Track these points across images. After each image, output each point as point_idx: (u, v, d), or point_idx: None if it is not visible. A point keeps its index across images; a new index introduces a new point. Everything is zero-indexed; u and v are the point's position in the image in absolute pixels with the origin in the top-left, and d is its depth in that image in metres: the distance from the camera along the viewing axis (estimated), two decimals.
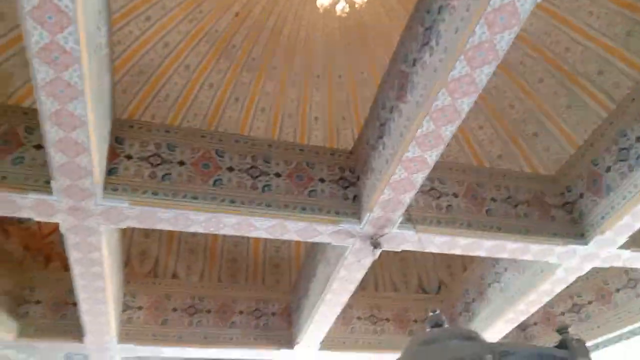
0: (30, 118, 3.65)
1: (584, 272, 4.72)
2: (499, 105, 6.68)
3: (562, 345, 2.88)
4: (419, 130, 3.11)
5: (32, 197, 3.32)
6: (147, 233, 6.50)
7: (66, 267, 5.59)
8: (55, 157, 3.06)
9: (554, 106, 6.41)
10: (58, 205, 3.41)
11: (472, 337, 3.20)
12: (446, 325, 3.38)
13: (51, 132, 2.92)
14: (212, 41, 6.94)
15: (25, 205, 3.40)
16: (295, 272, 6.63)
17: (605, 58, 5.78)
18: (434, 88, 2.90)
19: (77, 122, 2.87)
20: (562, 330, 2.98)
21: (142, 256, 6.36)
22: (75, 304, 5.19)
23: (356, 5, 5.85)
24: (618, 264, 4.58)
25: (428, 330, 3.35)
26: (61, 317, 5.20)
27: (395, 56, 3.54)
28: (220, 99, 7.25)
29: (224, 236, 6.58)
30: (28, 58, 2.53)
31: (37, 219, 3.52)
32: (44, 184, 3.35)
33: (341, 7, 5.82)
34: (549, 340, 6.29)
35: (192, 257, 6.70)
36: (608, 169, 4.19)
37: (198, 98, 7.10)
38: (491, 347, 3.03)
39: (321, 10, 6.05)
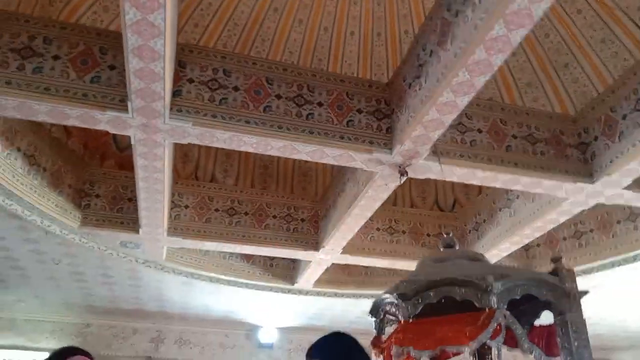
0: (103, 38, 4.07)
1: (588, 207, 5.21)
2: (535, 32, 6.79)
3: (554, 272, 3.46)
4: (455, 80, 3.48)
5: (110, 114, 3.83)
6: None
7: (120, 166, 6.28)
8: (134, 82, 3.51)
9: (589, 39, 6.51)
10: (131, 122, 3.92)
11: (478, 259, 3.80)
12: (457, 247, 3.97)
13: (133, 63, 3.35)
14: None
15: (103, 120, 3.91)
16: (321, 182, 7.22)
17: None
18: (473, 44, 3.22)
19: (156, 56, 3.29)
20: (555, 259, 3.55)
21: (184, 158, 6.95)
22: (130, 200, 5.91)
23: None
24: (620, 202, 5.05)
25: (441, 249, 3.95)
26: (118, 210, 5.93)
27: (438, 2, 3.79)
28: (260, 9, 7.43)
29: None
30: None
31: (112, 131, 4.05)
32: (119, 103, 3.84)
33: None
34: (548, 261, 6.96)
35: (228, 161, 7.28)
36: (624, 117, 4.52)
37: (239, 7, 7.30)
38: (493, 269, 3.64)
39: None
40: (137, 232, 5.79)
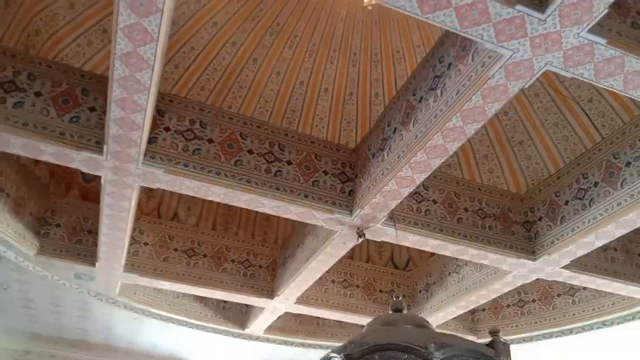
0: (86, 80, 4.23)
1: (529, 280, 5.56)
2: None
3: (491, 345, 3.70)
4: (413, 158, 3.79)
5: (85, 154, 3.96)
6: None
7: (84, 197, 6.31)
8: (113, 129, 3.68)
9: (543, 121, 7.06)
10: (105, 164, 4.06)
11: (424, 325, 4.02)
12: (405, 311, 4.19)
13: (115, 112, 3.53)
14: (242, 2, 7.34)
15: (77, 159, 4.03)
16: (282, 229, 7.38)
17: (596, 88, 6.41)
18: (432, 130, 3.55)
19: (138, 108, 3.48)
20: (493, 333, 3.80)
21: (149, 193, 7.02)
22: (90, 232, 5.93)
23: None
24: (559, 279, 5.42)
25: (390, 312, 4.16)
26: (76, 241, 5.92)
27: (408, 84, 4.15)
28: (240, 58, 7.73)
29: None
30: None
31: (84, 170, 4.16)
32: (95, 144, 3.97)
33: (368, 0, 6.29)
34: (493, 325, 7.25)
35: (192, 200, 7.39)
36: (566, 202, 4.93)
37: (220, 54, 7.58)
38: (435, 337, 3.85)
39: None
40: (93, 265, 5.80)
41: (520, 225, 5.26)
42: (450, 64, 3.49)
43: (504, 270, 5.38)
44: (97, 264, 5.72)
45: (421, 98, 3.79)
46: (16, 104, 3.91)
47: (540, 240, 5.07)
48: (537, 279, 6.28)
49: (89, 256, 5.83)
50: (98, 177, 4.43)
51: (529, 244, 5.15)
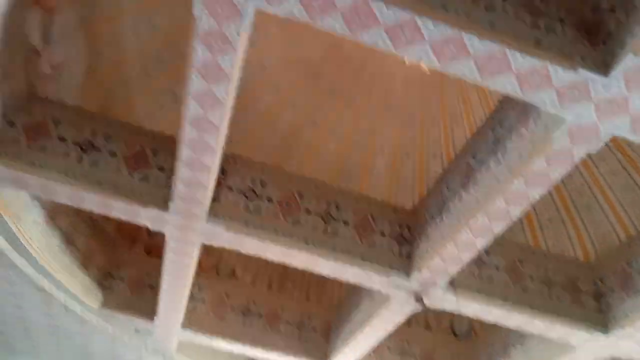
0: (157, 141, 4.48)
1: (602, 357, 5.15)
2: None
3: None
4: (473, 222, 3.70)
5: (152, 211, 4.14)
6: None
7: (148, 252, 6.53)
8: (180, 188, 3.85)
9: (611, 185, 6.75)
10: (170, 220, 4.22)
11: None
12: None
13: (183, 172, 3.70)
14: (302, 67, 7.65)
15: (144, 216, 4.23)
16: (337, 291, 7.28)
17: None
18: (493, 194, 3.48)
19: (205, 169, 3.64)
20: None
21: (208, 250, 7.16)
22: (151, 287, 6.09)
23: None
24: (636, 357, 4.99)
25: None
26: (138, 296, 6.09)
27: (467, 147, 4.12)
28: (300, 119, 7.98)
29: None
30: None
31: (150, 227, 4.34)
32: (162, 202, 4.16)
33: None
34: None
35: (249, 258, 7.48)
36: (639, 273, 4.61)
37: (281, 116, 7.86)
38: None
39: (407, 63, 6.65)
40: (152, 320, 5.90)
41: (590, 296, 4.94)
42: (511, 127, 3.45)
43: (574, 344, 5.02)
44: (155, 318, 5.83)
45: (482, 160, 3.74)
46: (92, 163, 4.19)
47: (613, 313, 4.72)
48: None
49: (149, 311, 5.96)
50: (162, 234, 4.60)
51: (600, 316, 4.81)
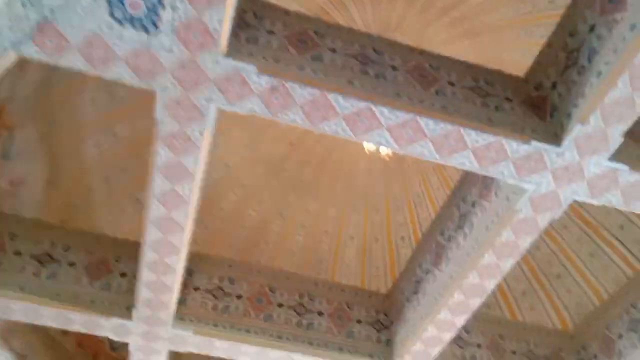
0: (118, 247, 4.32)
1: None
2: None
3: None
4: (451, 300, 3.64)
5: (115, 321, 3.90)
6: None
7: None
8: (144, 293, 3.67)
9: (578, 252, 6.87)
10: (134, 329, 3.98)
11: None
12: None
13: (146, 276, 3.55)
14: (267, 164, 7.76)
15: (106, 327, 3.97)
16: None
17: (626, 214, 6.32)
18: (466, 268, 3.47)
19: (169, 270, 3.51)
20: None
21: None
22: None
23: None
24: None
25: None
26: None
27: (434, 225, 4.15)
28: (266, 214, 7.96)
29: None
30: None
31: (113, 338, 4.07)
32: (125, 310, 3.94)
33: (385, 152, 6.60)
34: None
35: None
36: (620, 336, 4.57)
37: (248, 212, 7.83)
38: None
39: (367, 152, 6.84)
40: None
41: None
42: (474, 202, 3.52)
43: None
44: None
45: (450, 237, 3.76)
46: (50, 276, 3.98)
47: None
48: None
49: None
50: (125, 345, 4.31)
51: None
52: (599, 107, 2.62)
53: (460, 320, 3.83)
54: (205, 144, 2.83)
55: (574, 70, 2.83)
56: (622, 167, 2.88)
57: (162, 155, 2.85)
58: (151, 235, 3.29)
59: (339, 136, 2.79)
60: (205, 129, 2.74)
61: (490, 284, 3.53)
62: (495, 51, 5.92)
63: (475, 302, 3.66)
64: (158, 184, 3.02)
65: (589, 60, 2.73)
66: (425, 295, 3.96)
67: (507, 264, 3.39)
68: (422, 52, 3.11)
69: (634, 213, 6.21)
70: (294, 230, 8.09)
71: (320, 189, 8.16)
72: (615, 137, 2.74)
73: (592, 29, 2.76)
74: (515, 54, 5.77)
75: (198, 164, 2.92)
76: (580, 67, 2.78)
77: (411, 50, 3.10)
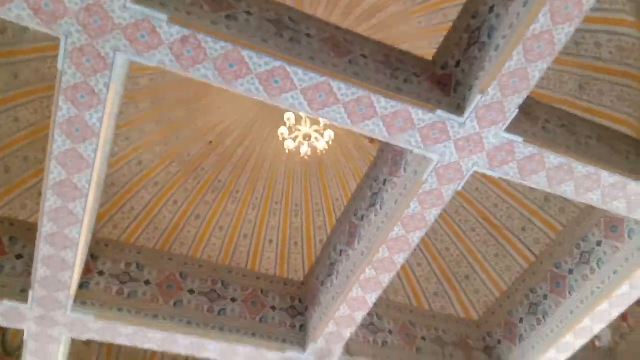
0: (16, 228, 4.01)
1: None
2: (436, 246, 7.47)
3: None
4: (362, 276, 3.69)
5: (6, 304, 3.59)
6: (88, 341, 6.55)
7: None
8: (41, 270, 3.41)
9: (484, 253, 7.24)
10: (28, 314, 3.67)
11: None
12: None
13: (44, 250, 3.31)
14: (183, 163, 7.57)
15: None
16: None
17: (528, 217, 6.76)
18: (376, 243, 3.54)
19: (70, 244, 3.29)
20: None
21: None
22: None
23: (318, 152, 6.69)
24: None
25: None
26: None
27: (348, 208, 4.21)
28: (182, 215, 7.72)
29: (163, 353, 6.66)
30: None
31: (4, 324, 3.73)
32: (20, 293, 3.64)
33: (305, 151, 6.66)
34: None
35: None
36: (521, 320, 4.83)
37: (161, 213, 7.55)
38: None
39: (287, 151, 6.86)
40: None
41: (481, 352, 5.03)
42: (385, 180, 3.62)
43: None
44: None
45: (362, 216, 3.84)
46: None
47: None
48: None
49: None
50: (21, 349, 3.98)
51: None
52: (497, 78, 2.81)
53: (372, 298, 3.88)
54: (111, 98, 2.72)
55: (475, 48, 3.03)
56: (517, 139, 3.08)
57: (63, 109, 2.70)
58: (49, 202, 3.08)
59: (253, 96, 2.78)
60: (111, 82, 2.64)
61: (400, 258, 3.61)
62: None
63: (386, 278, 3.73)
64: (58, 143, 2.85)
65: (489, 36, 2.93)
66: (339, 275, 3.99)
67: (415, 237, 3.50)
68: (337, 28, 3.20)
69: (535, 215, 6.70)
70: (211, 232, 7.91)
71: (239, 191, 8.06)
72: (511, 109, 2.95)
73: (492, 9, 2.98)
74: (423, 42, 6.09)
75: (103, 122, 2.80)
76: (481, 44, 2.98)
77: (327, 24, 3.18)
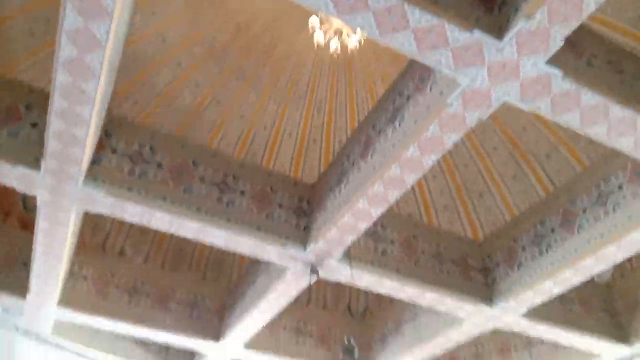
0: (34, 96, 3.99)
1: (487, 329, 5.39)
2: (455, 161, 7.36)
3: None
4: (370, 190, 3.66)
5: (20, 170, 3.67)
6: None
7: (23, 226, 5.89)
8: (52, 144, 3.43)
9: (502, 174, 7.13)
10: (41, 182, 3.77)
11: None
12: (356, 353, 3.98)
13: (55, 124, 3.30)
14: (207, 46, 7.31)
15: (11, 175, 3.74)
16: (235, 275, 7.06)
17: (555, 145, 6.54)
18: (389, 160, 3.45)
19: (81, 121, 3.26)
20: None
21: (94, 228, 6.63)
22: (25, 264, 5.49)
23: (348, 50, 6.36)
24: (516, 328, 5.27)
25: (341, 356, 3.93)
26: (8, 273, 5.46)
27: (367, 119, 4.08)
28: (202, 100, 7.62)
29: None
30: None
31: (19, 189, 3.85)
32: (34, 160, 3.70)
33: (335, 47, 6.33)
34: None
35: (141, 237, 7.02)
36: (523, 249, 4.85)
37: (183, 94, 7.45)
38: None
39: (315, 46, 6.53)
40: (24, 297, 5.32)
41: (478, 272, 5.14)
42: (409, 96, 3.44)
43: (461, 317, 5.19)
44: (27, 296, 5.26)
45: (380, 130, 3.71)
46: None
47: (498, 287, 4.95)
48: (495, 333, 6.12)
49: (20, 288, 5.36)
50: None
51: (486, 290, 5.01)
52: (547, 1, 2.52)
53: (377, 212, 3.88)
54: None
55: None
56: (557, 73, 2.84)
57: None
58: (60, 79, 3.01)
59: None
60: None
61: (410, 179, 3.55)
62: None
63: (394, 195, 3.70)
64: (70, 19, 2.70)
65: None
66: (348, 184, 3.97)
67: (430, 160, 3.40)
68: None
69: (561, 143, 6.46)
70: (230, 119, 7.84)
71: (262, 81, 7.83)
72: (557, 39, 2.68)
73: None
74: None
75: (116, 1, 2.62)
76: None
77: None
